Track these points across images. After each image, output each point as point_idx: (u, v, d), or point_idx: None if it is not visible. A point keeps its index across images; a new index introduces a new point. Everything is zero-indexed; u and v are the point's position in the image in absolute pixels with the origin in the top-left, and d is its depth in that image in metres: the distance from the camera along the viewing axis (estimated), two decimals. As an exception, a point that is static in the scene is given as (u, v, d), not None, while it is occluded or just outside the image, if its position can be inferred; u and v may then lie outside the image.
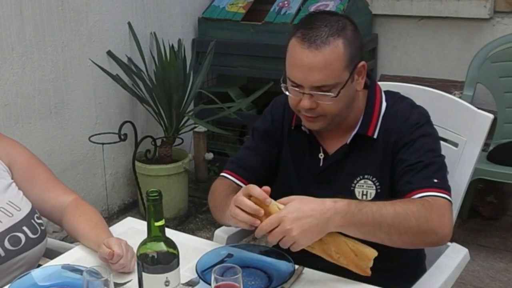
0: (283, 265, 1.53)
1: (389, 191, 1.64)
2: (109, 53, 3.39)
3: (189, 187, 3.66)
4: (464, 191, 1.82)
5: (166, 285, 1.30)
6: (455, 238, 1.74)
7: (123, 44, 3.49)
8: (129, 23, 3.49)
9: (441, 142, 1.72)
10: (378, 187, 1.65)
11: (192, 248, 1.64)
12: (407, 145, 1.62)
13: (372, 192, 1.66)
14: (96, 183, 3.46)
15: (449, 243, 1.73)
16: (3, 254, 1.61)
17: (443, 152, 1.67)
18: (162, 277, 1.30)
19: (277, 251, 1.56)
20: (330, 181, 1.70)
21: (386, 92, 1.74)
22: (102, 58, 3.35)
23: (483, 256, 3.10)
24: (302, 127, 1.73)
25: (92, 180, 3.44)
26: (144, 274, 1.31)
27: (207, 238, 2.41)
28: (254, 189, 1.49)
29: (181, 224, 3.51)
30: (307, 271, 1.54)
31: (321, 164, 1.72)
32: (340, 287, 1.50)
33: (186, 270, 1.52)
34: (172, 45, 3.48)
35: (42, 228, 1.72)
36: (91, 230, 1.67)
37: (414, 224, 1.48)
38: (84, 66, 3.27)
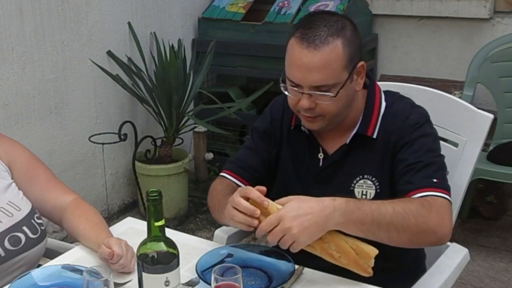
0: (283, 265, 1.53)
1: (388, 191, 1.64)
2: (109, 53, 3.39)
3: (189, 187, 3.66)
4: (464, 191, 1.82)
5: (166, 285, 1.30)
6: (455, 238, 1.74)
7: (123, 44, 3.49)
8: (129, 23, 3.49)
9: (441, 142, 1.72)
10: (378, 187, 1.66)
11: (192, 248, 1.64)
12: (406, 145, 1.62)
13: (371, 192, 1.66)
14: (96, 183, 3.46)
15: (449, 243, 1.73)
16: (3, 254, 1.61)
17: (443, 152, 1.67)
18: (162, 277, 1.30)
19: (277, 251, 1.56)
20: (329, 181, 1.70)
21: (386, 92, 1.74)
22: (102, 58, 3.35)
23: (483, 256, 3.10)
24: (302, 127, 1.73)
25: (92, 180, 3.44)
26: (144, 274, 1.31)
27: (207, 238, 2.42)
28: (252, 192, 1.49)
29: (181, 224, 3.51)
30: (307, 271, 1.54)
31: (320, 164, 1.72)
32: (340, 287, 1.50)
33: (186, 270, 1.52)
34: (172, 45, 3.48)
35: (42, 228, 1.72)
36: (91, 230, 1.67)
37: (413, 223, 1.48)
38: (84, 66, 3.27)
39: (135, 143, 3.47)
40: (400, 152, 1.63)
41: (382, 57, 3.98)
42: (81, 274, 1.33)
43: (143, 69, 3.50)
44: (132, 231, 1.77)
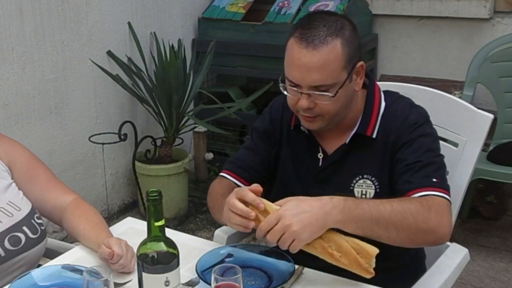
0: (283, 265, 1.53)
1: (388, 191, 1.64)
2: (109, 53, 3.39)
3: (189, 187, 3.66)
4: (464, 191, 1.82)
5: (166, 285, 1.30)
6: (455, 238, 1.75)
7: (123, 44, 3.49)
8: (129, 23, 3.49)
9: (441, 142, 1.72)
10: (377, 186, 1.66)
11: (192, 248, 1.64)
12: (406, 144, 1.62)
13: (371, 192, 1.66)
14: (96, 183, 3.46)
15: (449, 243, 1.73)
16: (3, 254, 1.61)
17: (443, 152, 1.67)
18: (162, 277, 1.30)
19: (277, 251, 1.56)
20: (329, 181, 1.70)
21: (385, 92, 1.74)
22: (102, 58, 3.35)
23: (483, 256, 3.10)
24: (301, 127, 1.73)
25: (92, 180, 3.44)
26: (144, 274, 1.31)
27: (207, 238, 2.42)
28: (247, 195, 1.49)
29: (181, 224, 3.51)
30: (307, 271, 1.54)
31: (320, 164, 1.72)
32: (340, 287, 1.50)
33: (186, 270, 1.52)
34: (172, 45, 3.48)
35: (42, 228, 1.72)
36: (91, 230, 1.67)
37: (411, 221, 1.48)
38: (84, 66, 3.27)
39: (135, 143, 3.47)
40: (399, 152, 1.63)
41: (382, 57, 3.98)
42: (81, 274, 1.33)
43: (143, 69, 3.50)
44: (132, 231, 1.77)
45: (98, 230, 1.67)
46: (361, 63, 1.63)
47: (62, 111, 3.19)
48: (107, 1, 3.35)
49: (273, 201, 1.51)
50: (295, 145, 1.76)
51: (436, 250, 1.75)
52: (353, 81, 1.62)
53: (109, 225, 1.75)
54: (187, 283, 1.48)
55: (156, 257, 1.31)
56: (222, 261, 1.55)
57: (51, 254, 1.76)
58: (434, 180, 1.57)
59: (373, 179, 1.66)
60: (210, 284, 1.32)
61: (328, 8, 3.51)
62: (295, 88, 1.60)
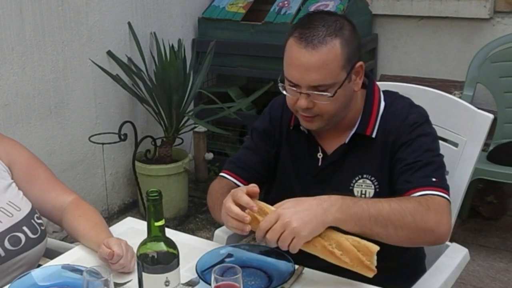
0: (283, 265, 1.53)
1: (387, 190, 1.64)
2: (109, 53, 3.39)
3: (189, 187, 3.66)
4: (464, 191, 1.82)
5: (166, 285, 1.30)
6: (455, 238, 1.75)
7: (123, 44, 3.49)
8: (129, 23, 3.49)
9: (441, 142, 1.72)
10: (377, 186, 1.66)
11: (192, 248, 1.64)
12: (405, 144, 1.62)
13: (370, 192, 1.66)
14: (96, 183, 3.46)
15: (449, 243, 1.73)
16: (3, 254, 1.61)
17: (443, 152, 1.67)
18: (162, 277, 1.30)
19: (277, 251, 1.55)
20: (329, 180, 1.70)
21: (385, 92, 1.74)
22: (102, 58, 3.35)
23: (483, 256, 3.10)
24: (301, 127, 1.73)
25: (92, 180, 3.44)
26: (144, 274, 1.31)
27: (207, 238, 2.42)
28: (242, 198, 1.49)
29: (181, 224, 3.51)
30: (307, 271, 1.54)
31: (319, 163, 1.72)
32: (340, 287, 1.50)
33: (186, 270, 1.52)
34: (172, 45, 3.48)
35: (42, 228, 1.72)
36: (91, 230, 1.67)
37: (410, 220, 1.48)
38: (84, 66, 3.27)
39: (135, 143, 3.47)
40: (399, 152, 1.63)
41: (382, 57, 3.98)
42: (81, 274, 1.34)
43: (143, 69, 3.50)
44: (132, 231, 1.77)
45: (98, 230, 1.67)
46: (360, 63, 1.63)
47: (62, 111, 3.19)
48: (107, 1, 3.35)
49: (273, 201, 1.51)
50: (294, 145, 1.76)
51: (436, 250, 1.75)
52: (352, 81, 1.62)
53: (109, 225, 1.75)
54: (187, 283, 1.48)
55: (156, 257, 1.31)
56: (222, 261, 1.55)
57: (51, 254, 1.76)
58: (434, 179, 1.57)
59: (372, 179, 1.66)
60: (210, 284, 1.32)
61: (328, 8, 3.51)
62: (294, 88, 1.60)
